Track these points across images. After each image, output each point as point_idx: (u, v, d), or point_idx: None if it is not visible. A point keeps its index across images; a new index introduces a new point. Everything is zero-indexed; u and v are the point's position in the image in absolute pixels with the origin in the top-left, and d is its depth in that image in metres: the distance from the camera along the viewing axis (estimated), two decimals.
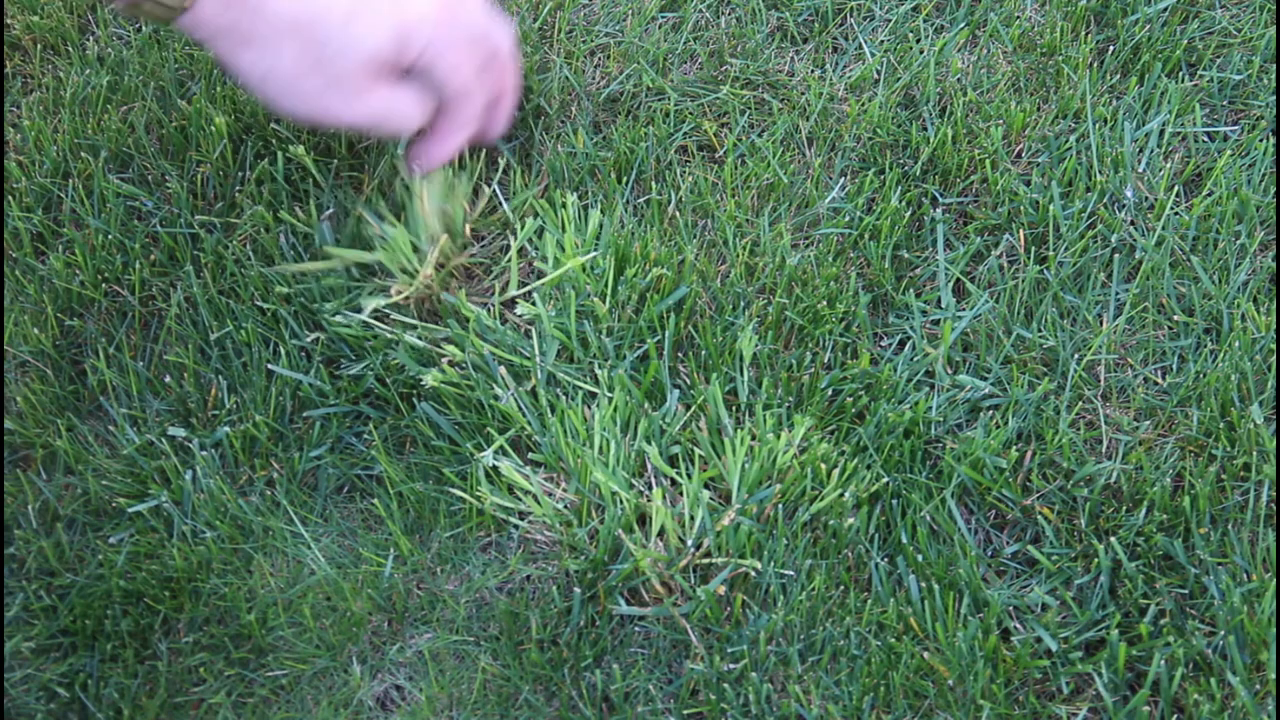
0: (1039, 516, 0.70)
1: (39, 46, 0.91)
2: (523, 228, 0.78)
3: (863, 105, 0.83)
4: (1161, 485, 0.69)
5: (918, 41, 0.86)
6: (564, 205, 0.77)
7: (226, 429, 0.74)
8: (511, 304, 0.77)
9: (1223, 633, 0.64)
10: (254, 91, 0.68)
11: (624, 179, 0.81)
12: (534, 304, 0.75)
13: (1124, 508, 0.69)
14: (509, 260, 0.78)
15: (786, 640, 0.67)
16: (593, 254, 0.76)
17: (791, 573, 0.68)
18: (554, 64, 0.86)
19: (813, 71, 0.86)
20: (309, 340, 0.76)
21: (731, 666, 0.66)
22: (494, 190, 0.80)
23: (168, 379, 0.76)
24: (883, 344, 0.77)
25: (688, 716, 0.66)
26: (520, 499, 0.71)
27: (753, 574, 0.68)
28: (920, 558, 0.68)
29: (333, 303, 0.77)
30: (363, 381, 0.75)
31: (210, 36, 0.65)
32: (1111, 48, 0.85)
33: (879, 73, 0.85)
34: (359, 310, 0.76)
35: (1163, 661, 0.64)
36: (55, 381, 0.78)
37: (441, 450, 0.74)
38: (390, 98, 0.69)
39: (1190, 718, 0.63)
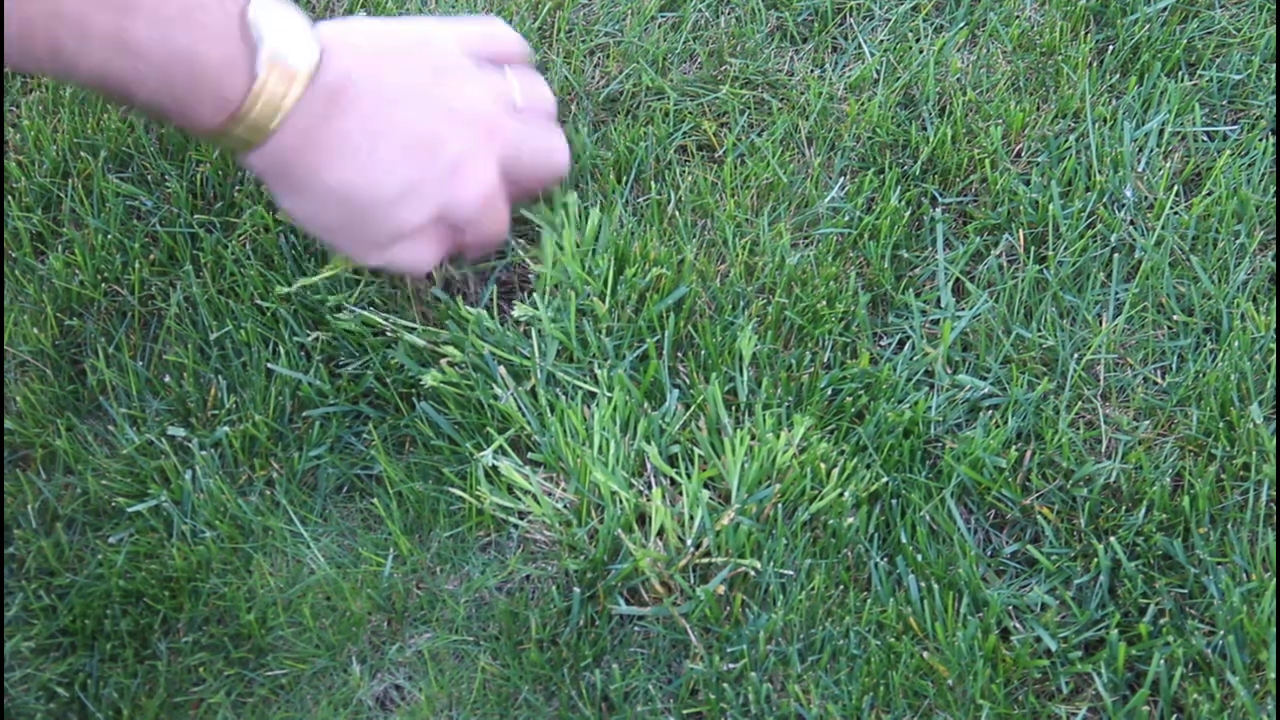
0: (1038, 516, 0.70)
1: None
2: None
3: (862, 105, 0.83)
4: (1161, 485, 0.69)
5: (917, 41, 0.86)
6: (565, 205, 0.77)
7: (226, 429, 0.74)
8: (510, 304, 0.77)
9: (1222, 632, 0.64)
10: (288, 217, 0.71)
11: (623, 179, 0.81)
12: (533, 305, 0.75)
13: (1124, 507, 0.69)
14: (507, 263, 0.78)
15: (786, 640, 0.67)
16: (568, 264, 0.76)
17: (791, 572, 0.68)
18: (553, 64, 0.86)
19: (812, 71, 0.86)
20: (310, 339, 0.76)
21: (731, 666, 0.66)
22: None
23: (167, 379, 0.76)
24: (882, 344, 0.77)
25: (687, 716, 0.66)
26: (520, 499, 0.71)
27: (752, 574, 0.68)
28: (920, 557, 0.68)
29: (336, 297, 0.77)
30: (362, 381, 0.75)
31: (267, 175, 0.67)
32: (1111, 47, 0.85)
33: (878, 72, 0.85)
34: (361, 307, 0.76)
35: (1162, 661, 0.64)
36: (55, 381, 0.78)
37: (441, 450, 0.74)
38: (414, 248, 0.71)
39: (1190, 717, 0.63)
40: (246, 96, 0.62)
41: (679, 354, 0.75)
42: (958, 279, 0.78)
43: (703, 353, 0.74)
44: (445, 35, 0.71)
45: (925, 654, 0.66)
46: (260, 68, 0.62)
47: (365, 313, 0.76)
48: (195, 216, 0.81)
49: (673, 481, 0.71)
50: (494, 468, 0.72)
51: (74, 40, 0.56)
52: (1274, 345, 0.73)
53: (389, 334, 0.76)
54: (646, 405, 0.73)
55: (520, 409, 0.73)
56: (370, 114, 0.66)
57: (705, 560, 0.69)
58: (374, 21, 0.70)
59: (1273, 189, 0.79)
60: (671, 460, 0.72)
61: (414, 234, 0.69)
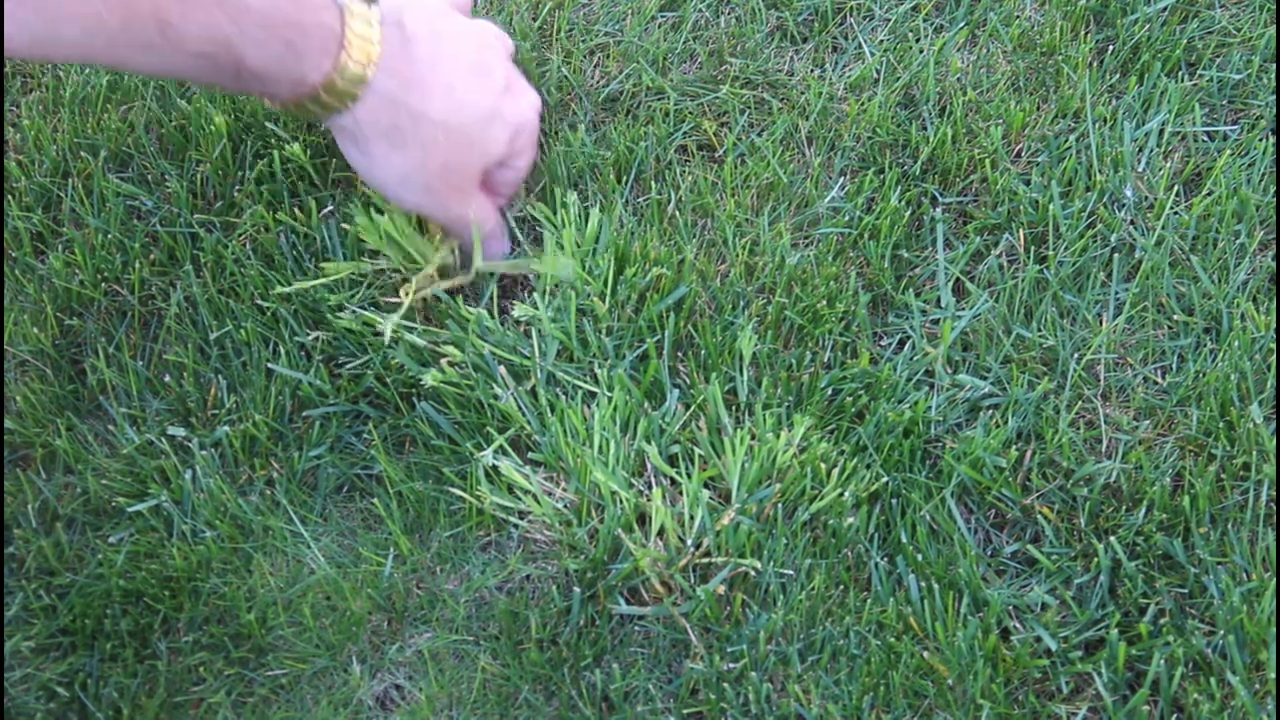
0: (1039, 516, 0.70)
1: None
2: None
3: (862, 105, 0.83)
4: (1161, 485, 0.69)
5: (917, 41, 0.86)
6: (565, 206, 0.77)
7: (226, 428, 0.74)
8: (510, 304, 0.77)
9: (1222, 632, 0.64)
10: (376, 184, 0.72)
11: (623, 179, 0.81)
12: (533, 304, 0.75)
13: (1124, 507, 0.69)
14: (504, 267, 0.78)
15: (786, 640, 0.67)
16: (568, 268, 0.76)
17: (791, 572, 0.68)
18: (553, 63, 0.86)
19: (812, 71, 0.86)
20: (310, 339, 0.76)
21: (731, 666, 0.66)
22: None
23: (167, 378, 0.76)
24: (882, 343, 0.77)
25: (687, 716, 0.66)
26: (520, 498, 0.71)
27: (752, 573, 0.68)
28: (920, 557, 0.68)
29: (337, 295, 0.77)
30: (362, 381, 0.75)
31: (373, 132, 0.68)
32: (1111, 47, 0.85)
33: (879, 72, 0.85)
34: (371, 315, 0.76)
35: (1162, 661, 0.64)
36: (55, 381, 0.78)
37: (441, 450, 0.74)
38: (483, 202, 0.75)
39: (1190, 717, 0.63)
40: (348, 32, 0.63)
41: (679, 354, 0.75)
42: (958, 279, 0.78)
43: (703, 352, 0.74)
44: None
45: (925, 654, 0.66)
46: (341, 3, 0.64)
47: (366, 313, 0.76)
48: (195, 216, 0.81)
49: (673, 481, 0.71)
50: (494, 467, 0.72)
51: (179, 7, 0.57)
52: (1274, 345, 0.73)
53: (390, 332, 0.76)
54: (647, 405, 0.73)
55: (520, 409, 0.73)
56: (431, 46, 0.68)
57: (705, 560, 0.69)
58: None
59: (1273, 189, 0.79)
60: (672, 460, 0.72)
61: (497, 163, 0.73)
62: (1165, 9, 0.87)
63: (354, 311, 0.76)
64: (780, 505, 0.69)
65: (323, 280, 0.77)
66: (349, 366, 0.76)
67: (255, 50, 0.61)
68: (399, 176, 0.70)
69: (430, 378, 0.73)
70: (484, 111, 0.71)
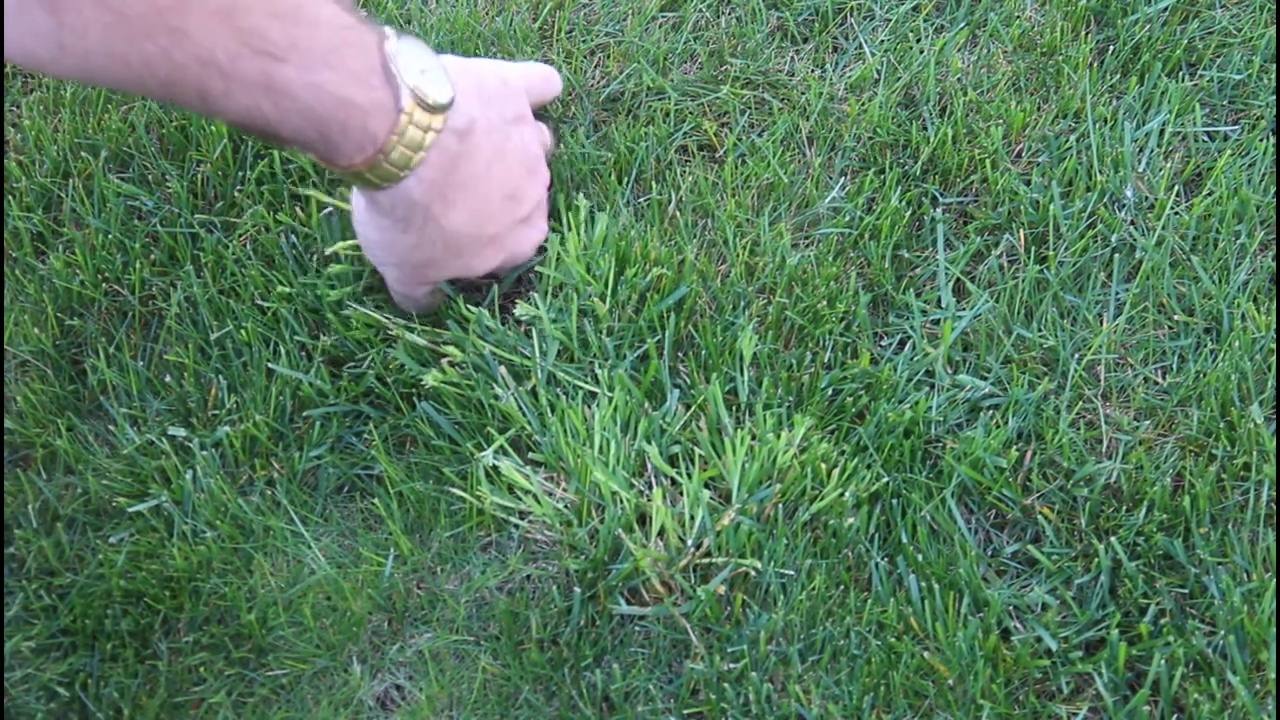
0: (1039, 516, 0.70)
1: None
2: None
3: (863, 105, 0.83)
4: (1161, 485, 0.69)
5: (918, 41, 0.86)
6: (573, 208, 0.77)
7: (226, 429, 0.74)
8: (511, 304, 0.77)
9: (1223, 632, 0.64)
10: (362, 237, 0.72)
11: (624, 179, 0.81)
12: (534, 304, 0.75)
13: (1124, 507, 0.69)
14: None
15: (786, 640, 0.67)
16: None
17: (791, 572, 0.68)
18: (554, 63, 0.86)
19: (813, 71, 0.86)
20: (320, 340, 0.76)
21: (731, 666, 0.66)
22: None
23: (168, 379, 0.76)
24: (883, 344, 0.77)
25: (688, 716, 0.66)
26: (520, 499, 0.71)
27: (753, 574, 0.68)
28: (920, 557, 0.68)
29: (338, 291, 0.77)
30: (363, 381, 0.75)
31: (378, 209, 0.68)
32: (1111, 47, 0.85)
33: (879, 72, 0.85)
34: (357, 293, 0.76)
35: (1163, 661, 0.64)
36: (55, 381, 0.78)
37: (442, 450, 0.74)
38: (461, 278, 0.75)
39: (1190, 717, 0.63)
40: (391, 134, 0.62)
41: (679, 354, 0.75)
42: (958, 279, 0.78)
43: (703, 353, 0.74)
44: (518, 80, 0.74)
45: (926, 654, 0.66)
46: (404, 103, 0.62)
47: (368, 312, 0.76)
48: (196, 216, 0.81)
49: (673, 481, 0.71)
50: (494, 468, 0.72)
51: (222, 86, 0.57)
52: (1274, 345, 0.73)
53: (390, 332, 0.76)
54: (647, 405, 0.73)
55: (521, 409, 0.73)
56: (485, 160, 0.68)
57: (706, 560, 0.69)
58: (463, 61, 0.71)
59: (1273, 189, 0.79)
60: (672, 460, 0.72)
61: (471, 276, 0.74)
62: (1166, 9, 0.87)
63: (355, 308, 0.76)
64: (780, 505, 0.69)
65: (336, 269, 0.77)
66: (350, 367, 0.76)
67: (291, 131, 0.60)
68: (384, 243, 0.71)
69: (431, 378, 0.73)
70: (490, 235, 0.71)
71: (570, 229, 0.77)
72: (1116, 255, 0.77)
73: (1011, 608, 0.67)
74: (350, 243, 0.77)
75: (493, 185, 0.69)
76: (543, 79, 0.78)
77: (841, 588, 0.68)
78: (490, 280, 0.77)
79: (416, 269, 0.72)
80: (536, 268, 0.77)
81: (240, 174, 0.82)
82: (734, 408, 0.73)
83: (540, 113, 0.83)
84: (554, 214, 0.78)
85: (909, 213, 0.79)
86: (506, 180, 0.70)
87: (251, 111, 0.58)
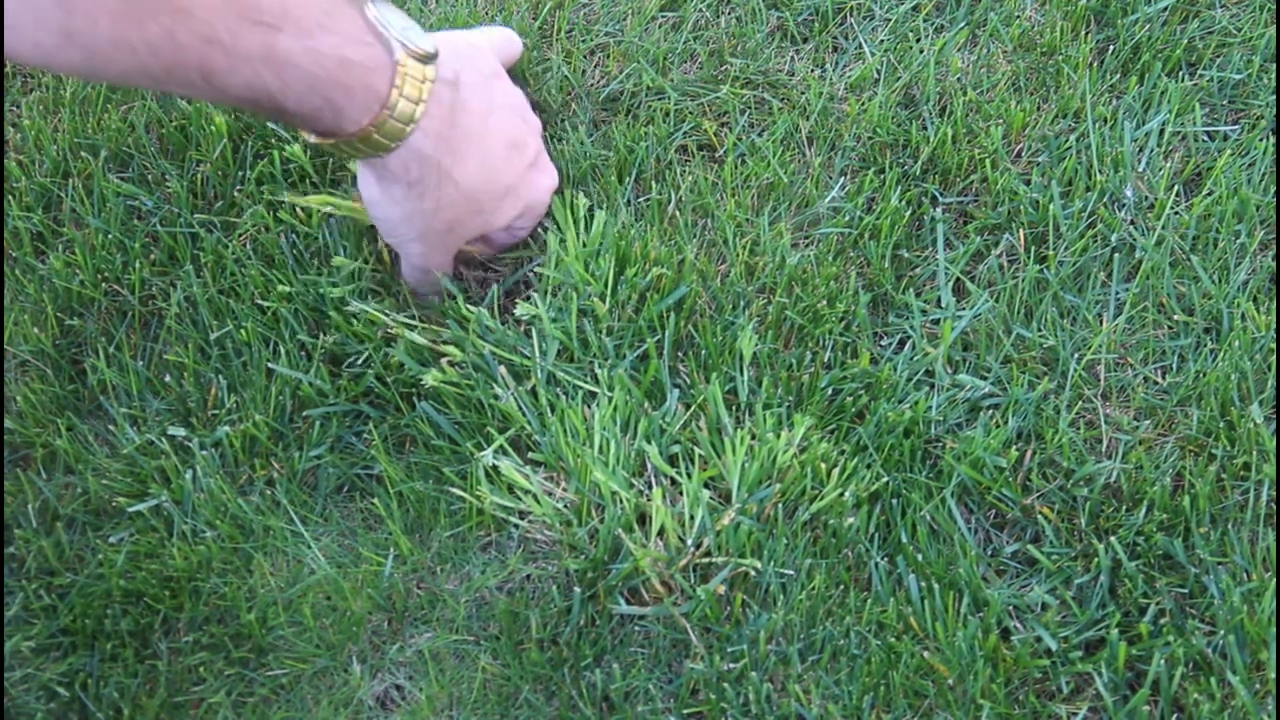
0: (1039, 516, 0.70)
1: None
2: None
3: (863, 105, 0.83)
4: (1161, 485, 0.69)
5: (918, 41, 0.86)
6: (572, 207, 0.77)
7: (226, 428, 0.74)
8: (511, 304, 0.77)
9: (1223, 632, 0.64)
10: (380, 217, 0.73)
11: (624, 179, 0.81)
12: (534, 304, 0.75)
13: (1124, 507, 0.69)
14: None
15: (786, 640, 0.67)
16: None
17: (791, 572, 0.68)
18: (553, 63, 0.86)
19: (813, 71, 0.86)
20: (320, 340, 0.76)
21: (731, 666, 0.66)
22: None
23: (168, 378, 0.76)
24: (882, 343, 0.77)
25: (688, 716, 0.66)
26: (520, 498, 0.71)
27: (752, 573, 0.68)
28: (920, 557, 0.68)
29: (340, 289, 0.77)
30: (362, 381, 0.75)
31: (391, 179, 0.69)
32: (1111, 47, 0.85)
33: (879, 72, 0.85)
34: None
35: (1163, 661, 0.64)
36: (55, 381, 0.78)
37: (441, 450, 0.74)
38: (452, 261, 0.77)
39: (1190, 717, 0.63)
40: (392, 86, 0.64)
41: (679, 354, 0.75)
42: (958, 279, 0.78)
43: (703, 352, 0.74)
44: (481, 40, 0.76)
45: (926, 654, 0.66)
46: (398, 55, 0.64)
47: (368, 308, 0.76)
48: (195, 216, 0.81)
49: (673, 481, 0.71)
50: (494, 467, 0.72)
51: (226, 61, 0.58)
52: (1274, 345, 0.73)
53: (391, 331, 0.76)
54: (647, 405, 0.73)
55: (520, 409, 0.73)
56: (479, 110, 0.70)
57: (706, 560, 0.69)
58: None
59: (1273, 189, 0.79)
60: (672, 460, 0.72)
61: (499, 229, 0.75)
62: (1166, 9, 0.87)
63: (358, 305, 0.76)
64: (780, 505, 0.69)
65: (339, 262, 0.77)
66: (349, 366, 0.76)
67: (296, 102, 0.62)
68: (404, 216, 0.71)
69: (430, 377, 0.73)
70: (505, 185, 0.73)
71: (569, 228, 0.77)
72: (1116, 255, 0.77)
73: (1011, 607, 0.67)
74: (320, 197, 0.77)
75: (494, 134, 0.71)
76: (504, 40, 0.80)
77: (841, 587, 0.68)
78: (492, 274, 0.77)
79: (441, 235, 0.73)
80: (536, 268, 0.77)
81: (240, 174, 0.82)
82: (734, 407, 0.73)
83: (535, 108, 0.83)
84: (550, 213, 0.78)
85: (909, 212, 0.79)
86: (505, 128, 0.72)
87: (254, 85, 0.60)
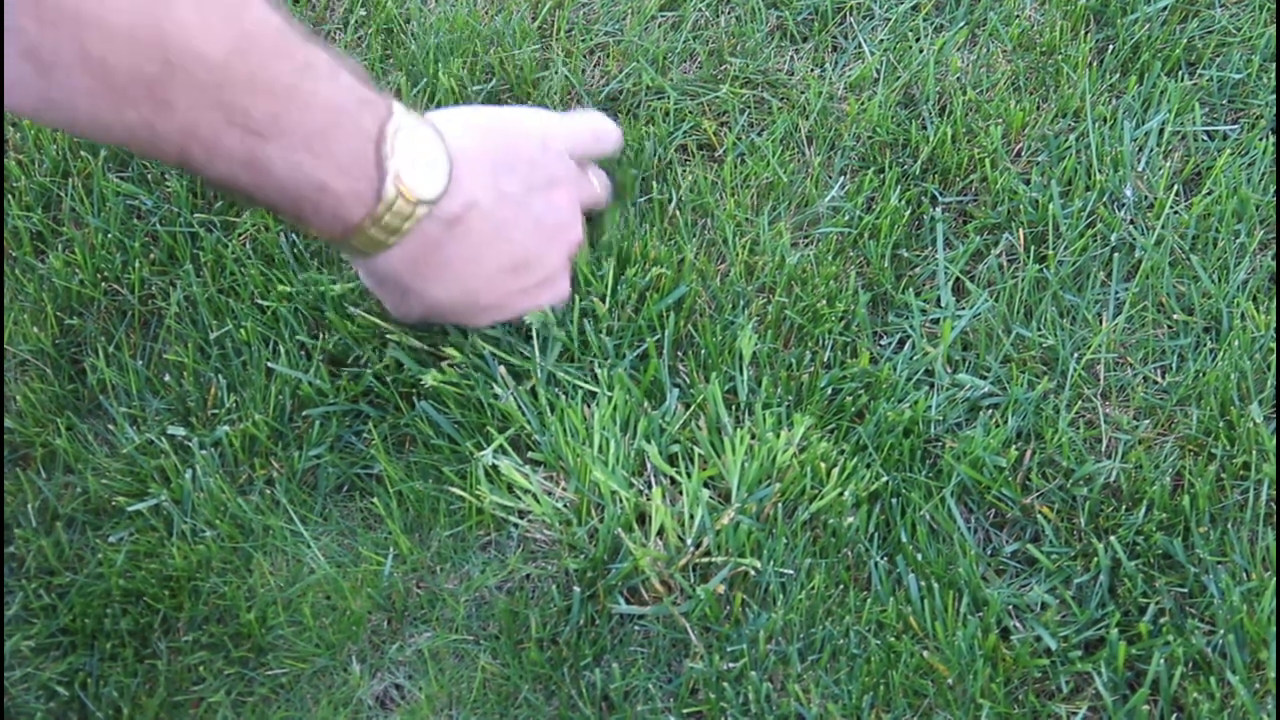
0: (1038, 515, 0.70)
1: None
2: None
3: (862, 104, 0.83)
4: (1161, 484, 0.69)
5: (917, 40, 0.86)
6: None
7: (226, 428, 0.74)
8: None
9: (1222, 631, 0.64)
10: (412, 313, 0.72)
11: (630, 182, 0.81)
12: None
13: (1123, 507, 0.69)
14: None
15: (786, 639, 0.67)
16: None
17: (791, 571, 0.68)
18: (553, 63, 0.86)
19: (812, 70, 0.86)
20: (320, 339, 0.76)
21: (731, 665, 0.66)
22: None
23: (167, 378, 0.76)
24: (882, 343, 0.77)
25: (687, 715, 0.66)
26: (520, 498, 0.71)
27: (752, 573, 0.68)
28: (920, 557, 0.68)
29: (341, 286, 0.77)
30: (362, 380, 0.75)
31: (368, 277, 0.68)
32: (1111, 47, 0.85)
33: (878, 72, 0.85)
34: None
35: (1162, 660, 0.64)
36: (55, 380, 0.78)
37: (441, 449, 0.74)
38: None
39: (1190, 716, 0.63)
40: (366, 218, 0.61)
41: (679, 353, 0.75)
42: (958, 278, 0.78)
43: (703, 352, 0.74)
44: (558, 141, 0.71)
45: (925, 653, 0.66)
46: (387, 192, 0.60)
47: (366, 315, 0.76)
48: (195, 215, 0.81)
49: (673, 481, 0.71)
50: (494, 467, 0.72)
51: (203, 155, 0.56)
52: (1274, 344, 0.73)
53: (390, 335, 0.76)
54: (646, 404, 0.73)
55: (520, 408, 0.73)
56: (478, 242, 0.66)
57: (705, 559, 0.69)
58: (493, 115, 0.70)
59: (1273, 188, 0.79)
60: (671, 459, 0.72)
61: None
62: (1165, 8, 0.87)
63: (357, 311, 0.76)
64: (780, 505, 0.69)
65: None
66: (349, 366, 0.76)
67: (264, 201, 0.60)
68: (375, 292, 0.71)
69: (430, 377, 0.73)
70: (485, 303, 0.70)
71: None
72: (1116, 254, 0.77)
73: (1011, 607, 0.67)
74: None
75: (485, 263, 0.68)
76: (592, 137, 0.74)
77: (841, 587, 0.68)
78: None
79: (414, 318, 0.72)
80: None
81: None
82: (733, 407, 0.73)
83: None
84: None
85: (908, 212, 0.79)
86: (508, 254, 0.68)
87: (228, 179, 0.58)
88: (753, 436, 0.71)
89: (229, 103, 0.54)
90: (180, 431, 0.75)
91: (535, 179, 0.68)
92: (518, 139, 0.69)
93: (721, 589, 0.68)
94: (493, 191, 0.66)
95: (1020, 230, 0.79)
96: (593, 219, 0.76)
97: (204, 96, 0.53)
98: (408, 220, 0.62)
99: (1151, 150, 0.81)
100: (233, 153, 0.56)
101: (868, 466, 0.71)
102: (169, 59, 0.51)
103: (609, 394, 0.72)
